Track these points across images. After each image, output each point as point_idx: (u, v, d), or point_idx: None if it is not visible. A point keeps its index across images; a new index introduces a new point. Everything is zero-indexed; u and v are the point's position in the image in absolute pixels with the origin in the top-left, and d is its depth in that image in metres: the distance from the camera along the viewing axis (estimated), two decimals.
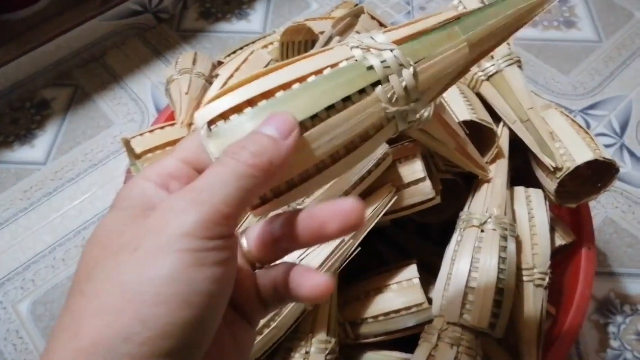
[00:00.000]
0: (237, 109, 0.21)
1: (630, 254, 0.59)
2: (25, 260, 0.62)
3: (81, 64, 0.81)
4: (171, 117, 0.52)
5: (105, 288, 0.18)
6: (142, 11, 0.84)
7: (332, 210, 0.21)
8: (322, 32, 0.40)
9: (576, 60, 0.77)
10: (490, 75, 0.45)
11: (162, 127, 0.49)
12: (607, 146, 0.68)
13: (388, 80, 0.22)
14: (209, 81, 0.51)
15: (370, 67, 0.22)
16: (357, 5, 0.56)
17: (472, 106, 0.42)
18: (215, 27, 0.85)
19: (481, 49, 0.24)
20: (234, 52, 0.56)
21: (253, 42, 0.56)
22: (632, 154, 0.67)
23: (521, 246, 0.41)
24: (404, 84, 0.22)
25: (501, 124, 0.46)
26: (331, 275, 0.22)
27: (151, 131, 0.49)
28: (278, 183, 0.22)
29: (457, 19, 0.23)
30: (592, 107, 0.72)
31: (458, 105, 0.42)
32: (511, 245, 0.39)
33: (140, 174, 0.22)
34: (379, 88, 0.22)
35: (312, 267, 0.22)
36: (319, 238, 0.22)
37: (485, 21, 0.23)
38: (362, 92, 0.22)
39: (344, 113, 0.21)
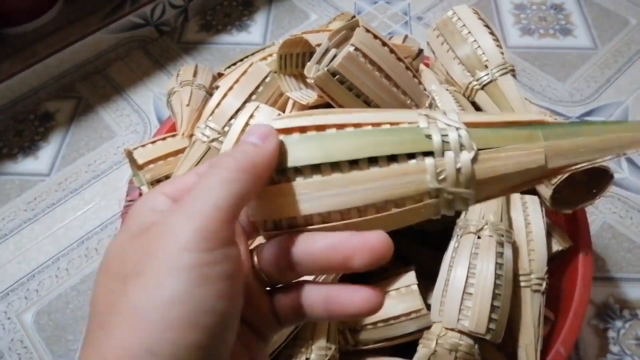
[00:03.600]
0: (287, 131, 0.21)
1: (628, 258, 0.59)
2: (29, 270, 0.63)
3: (84, 76, 0.82)
4: (173, 128, 0.53)
5: (118, 320, 0.17)
6: (144, 24, 0.85)
7: (357, 243, 0.20)
8: (318, 45, 0.40)
9: (572, 68, 0.78)
10: (485, 85, 0.46)
11: (163, 139, 0.50)
12: None
13: (442, 155, 0.20)
14: (209, 93, 0.52)
15: (429, 136, 0.20)
16: (354, 17, 0.57)
17: None
18: (216, 39, 0.87)
19: (560, 163, 0.21)
20: (234, 63, 0.57)
21: (253, 54, 0.56)
22: (629, 160, 0.68)
23: (518, 252, 0.42)
24: (458, 165, 0.20)
25: None
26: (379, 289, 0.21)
27: (153, 142, 0.50)
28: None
29: (543, 124, 0.21)
30: (588, 113, 0.72)
31: None
32: (508, 251, 0.39)
33: (157, 187, 0.21)
34: (429, 159, 0.20)
35: (352, 284, 0.21)
36: (341, 270, 0.21)
37: (574, 136, 0.21)
38: (411, 157, 0.20)
39: (383, 170, 0.20)
